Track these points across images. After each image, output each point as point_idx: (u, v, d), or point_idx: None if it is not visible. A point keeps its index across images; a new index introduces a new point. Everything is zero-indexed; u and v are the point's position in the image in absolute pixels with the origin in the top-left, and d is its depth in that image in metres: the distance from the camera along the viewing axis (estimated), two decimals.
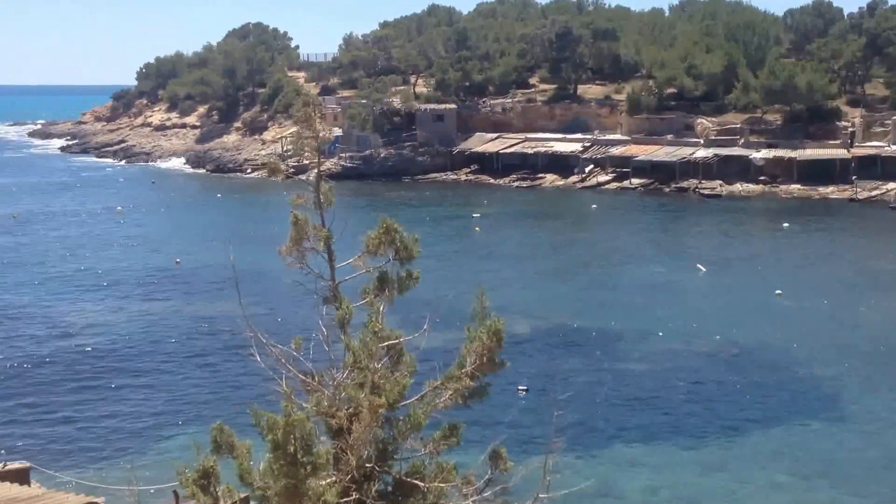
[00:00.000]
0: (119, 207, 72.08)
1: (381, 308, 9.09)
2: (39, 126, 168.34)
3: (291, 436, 6.85)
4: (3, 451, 18.94)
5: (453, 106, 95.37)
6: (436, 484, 8.44)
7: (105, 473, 23.27)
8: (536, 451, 21.26)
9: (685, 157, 79.98)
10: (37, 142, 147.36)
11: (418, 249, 9.55)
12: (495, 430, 22.87)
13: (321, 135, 9.91)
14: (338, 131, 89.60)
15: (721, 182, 78.33)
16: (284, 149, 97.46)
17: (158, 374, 32.38)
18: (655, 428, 27.31)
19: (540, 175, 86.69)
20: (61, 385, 30.96)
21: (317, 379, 8.58)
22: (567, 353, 34.45)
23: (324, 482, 7.28)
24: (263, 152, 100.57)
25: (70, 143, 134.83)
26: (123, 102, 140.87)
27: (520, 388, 29.47)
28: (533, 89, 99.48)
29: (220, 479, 7.78)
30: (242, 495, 8.44)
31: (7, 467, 16.82)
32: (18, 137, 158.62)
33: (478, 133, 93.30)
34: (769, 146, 79.89)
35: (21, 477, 16.60)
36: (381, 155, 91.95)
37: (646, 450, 25.77)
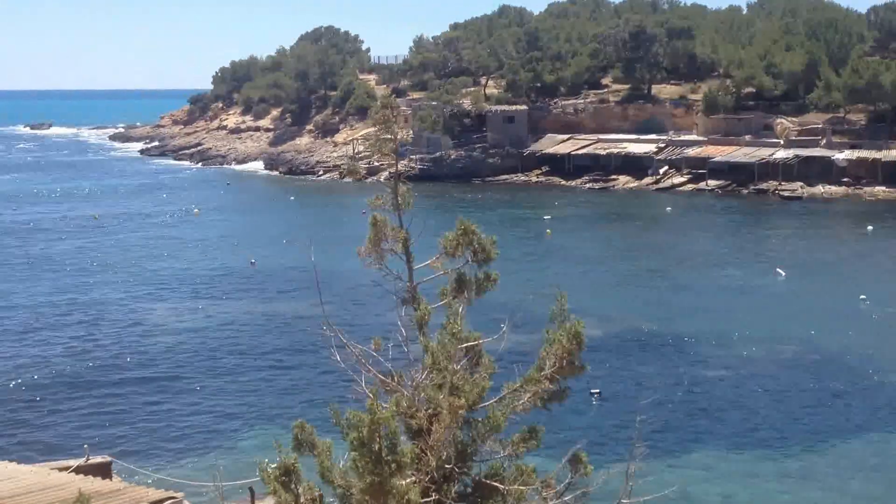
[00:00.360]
0: (196, 209, 73.55)
1: (460, 309, 9.04)
2: (120, 129, 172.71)
3: (377, 434, 6.85)
4: (86, 446, 19.40)
5: (524, 107, 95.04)
6: (515, 487, 8.36)
7: (183, 469, 23.72)
8: (612, 455, 21.03)
9: (764, 158, 78.30)
10: (117, 145, 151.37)
11: (496, 251, 9.49)
12: (569, 433, 22.67)
13: (399, 136, 9.93)
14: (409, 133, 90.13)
15: (802, 184, 76.51)
16: (355, 151, 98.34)
17: (234, 372, 32.88)
18: (734, 435, 26.73)
19: (612, 177, 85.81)
20: (141, 382, 31.67)
21: (396, 379, 8.57)
22: (641, 358, 33.97)
23: (404, 481, 7.26)
24: (335, 154, 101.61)
25: (149, 145, 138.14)
26: (200, 106, 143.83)
27: (592, 391, 29.13)
28: (605, 90, 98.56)
29: (301, 476, 7.82)
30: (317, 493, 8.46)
31: (90, 461, 17.22)
32: (99, 140, 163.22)
33: (549, 134, 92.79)
34: (852, 147, 77.75)
35: (103, 470, 17.00)
36: (452, 157, 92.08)
37: (724, 457, 25.24)
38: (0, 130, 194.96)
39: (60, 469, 16.24)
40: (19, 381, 31.48)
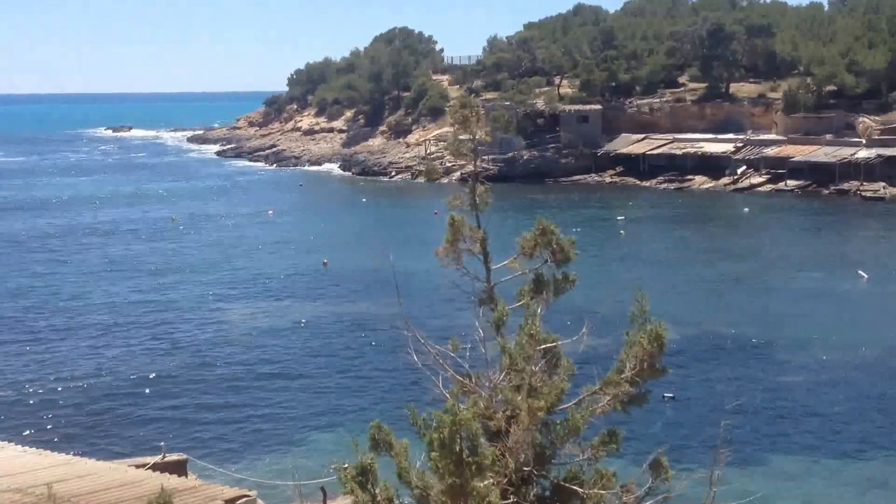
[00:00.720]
0: (270, 210, 74.61)
1: (538, 310, 8.88)
2: (197, 132, 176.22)
3: (458, 435, 6.74)
4: (163, 444, 19.73)
5: (598, 107, 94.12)
6: (595, 490, 8.16)
7: (257, 468, 23.96)
8: (689, 460, 20.56)
9: (846, 158, 76.13)
10: (194, 147, 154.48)
11: (575, 251, 9.30)
12: (643, 437, 22.28)
13: (478, 136, 9.84)
14: None
15: (884, 184, 74.20)
16: (427, 151, 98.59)
17: (307, 372, 33.13)
18: (815, 442, 25.97)
19: (688, 177, 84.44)
20: (217, 382, 32.14)
21: (473, 380, 8.45)
22: (716, 361, 33.25)
23: (483, 483, 7.14)
24: (407, 155, 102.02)
25: (225, 147, 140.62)
26: (275, 108, 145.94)
27: (665, 395, 28.58)
28: (682, 88, 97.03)
29: (378, 476, 7.75)
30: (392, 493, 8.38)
31: (166, 459, 17.48)
32: (177, 143, 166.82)
33: (623, 134, 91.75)
34: None
35: (179, 468, 17.22)
36: (524, 157, 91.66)
37: (804, 464, 24.53)
38: (82, 133, 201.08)
39: (138, 466, 16.50)
40: (98, 380, 32.22)
